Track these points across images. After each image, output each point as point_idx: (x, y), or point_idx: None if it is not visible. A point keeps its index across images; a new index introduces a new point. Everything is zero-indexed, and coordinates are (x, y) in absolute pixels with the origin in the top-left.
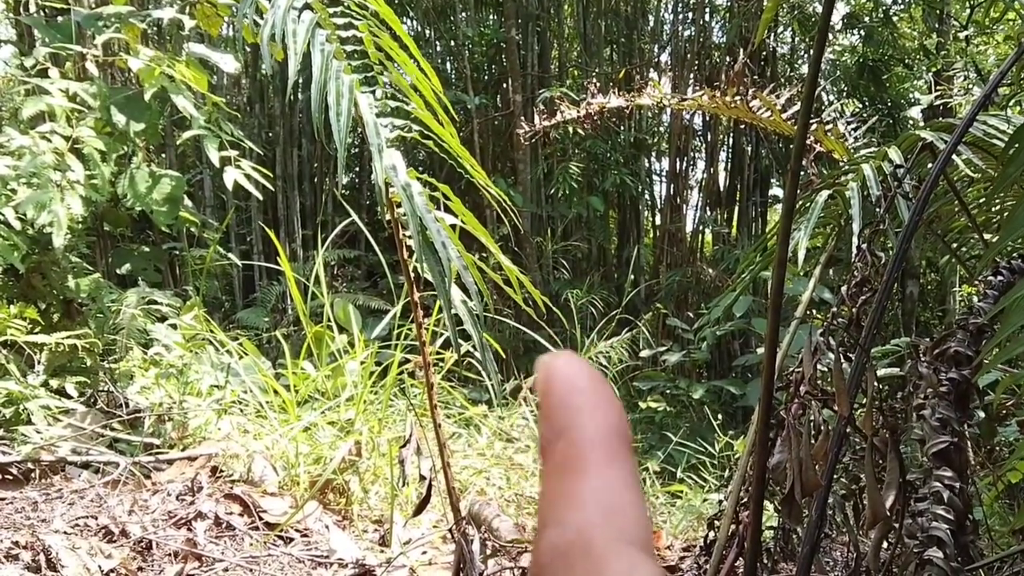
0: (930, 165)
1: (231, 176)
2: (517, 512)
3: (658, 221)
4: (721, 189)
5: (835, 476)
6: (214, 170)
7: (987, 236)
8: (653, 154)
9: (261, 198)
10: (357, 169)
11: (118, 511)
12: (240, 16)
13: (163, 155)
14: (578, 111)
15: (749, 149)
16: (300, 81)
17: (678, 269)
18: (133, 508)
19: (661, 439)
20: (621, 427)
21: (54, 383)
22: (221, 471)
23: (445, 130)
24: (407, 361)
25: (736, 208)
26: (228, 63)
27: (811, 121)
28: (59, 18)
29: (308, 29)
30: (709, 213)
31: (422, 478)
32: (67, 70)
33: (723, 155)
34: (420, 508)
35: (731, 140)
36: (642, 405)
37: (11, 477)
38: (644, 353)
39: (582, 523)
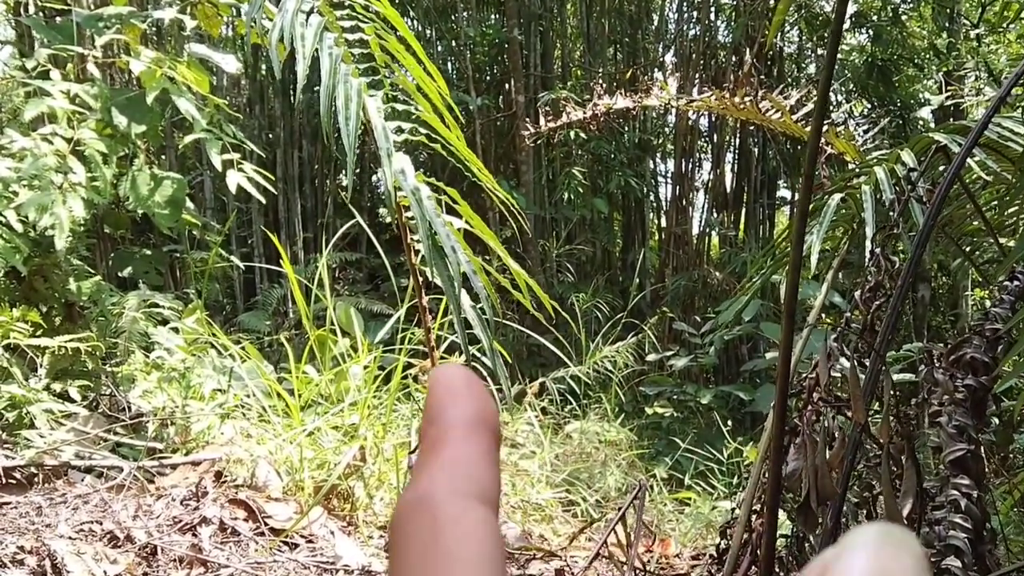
0: (943, 168)
1: (234, 180)
2: (524, 519)
3: (663, 223)
4: (728, 191)
5: (849, 483)
6: (215, 172)
7: (1002, 240)
8: (658, 155)
9: (264, 201)
10: (358, 171)
11: (123, 516)
12: (247, 21)
13: (163, 156)
14: (584, 112)
15: (756, 150)
16: (302, 81)
17: (684, 272)
18: (138, 513)
19: (669, 445)
20: (484, 414)
21: (56, 387)
22: (225, 476)
23: (451, 133)
24: (411, 365)
25: (743, 210)
26: (229, 63)
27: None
28: (58, 19)
29: (316, 33)
30: (716, 215)
31: None
32: (68, 71)
33: (729, 156)
34: None
35: (737, 141)
36: (649, 411)
37: (15, 481)
38: (650, 357)
39: (428, 483)
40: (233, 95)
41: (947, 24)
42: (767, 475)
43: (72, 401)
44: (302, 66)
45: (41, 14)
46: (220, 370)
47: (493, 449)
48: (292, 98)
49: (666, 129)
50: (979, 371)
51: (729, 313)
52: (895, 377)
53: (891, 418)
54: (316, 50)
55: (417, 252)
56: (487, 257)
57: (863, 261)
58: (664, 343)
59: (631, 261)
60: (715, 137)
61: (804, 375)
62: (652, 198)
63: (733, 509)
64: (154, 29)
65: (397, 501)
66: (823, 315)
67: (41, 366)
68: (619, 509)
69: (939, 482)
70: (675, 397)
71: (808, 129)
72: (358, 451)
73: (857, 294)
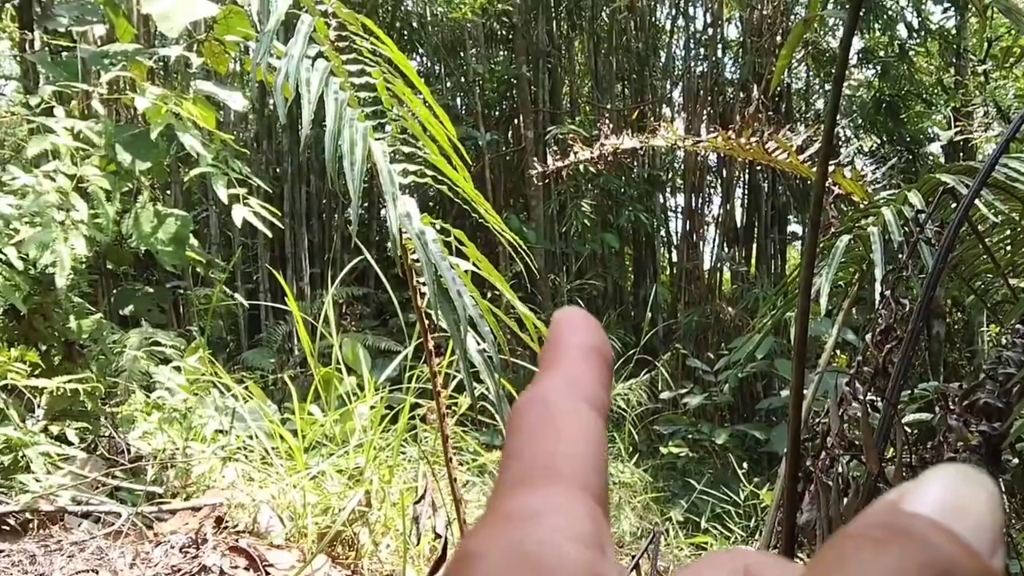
0: (953, 205)
1: (240, 214)
2: None
3: (675, 258)
4: (738, 226)
5: None
6: (220, 207)
7: (1014, 281)
8: (668, 190)
9: (270, 235)
10: (366, 204)
11: (120, 564)
12: (254, 64)
13: (168, 192)
14: (591, 152)
15: (766, 185)
16: (307, 127)
17: (697, 308)
18: (135, 561)
19: (684, 487)
20: (599, 344)
21: (54, 428)
22: (226, 522)
23: (459, 174)
24: (419, 405)
25: (754, 245)
26: (236, 101)
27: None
28: (64, 55)
29: (322, 78)
30: (727, 250)
31: (437, 535)
32: (72, 108)
33: (739, 191)
34: (436, 567)
35: (747, 176)
36: (663, 450)
37: (8, 528)
38: (664, 395)
39: (544, 387)
40: (241, 130)
41: (954, 60)
42: (782, 524)
43: (70, 443)
44: (307, 111)
45: (47, 50)
46: (222, 410)
47: (606, 374)
48: (299, 134)
49: (675, 164)
50: (993, 417)
51: (742, 352)
52: (911, 417)
53: (905, 467)
54: (322, 94)
55: (423, 295)
56: (496, 292)
57: (875, 299)
58: (678, 380)
59: (643, 296)
60: (724, 172)
61: (818, 419)
62: (663, 233)
63: None
64: (161, 65)
65: (514, 403)
66: (836, 351)
67: (39, 407)
68: (633, 556)
69: None
70: (690, 436)
71: (815, 169)
72: (363, 496)
73: (868, 337)
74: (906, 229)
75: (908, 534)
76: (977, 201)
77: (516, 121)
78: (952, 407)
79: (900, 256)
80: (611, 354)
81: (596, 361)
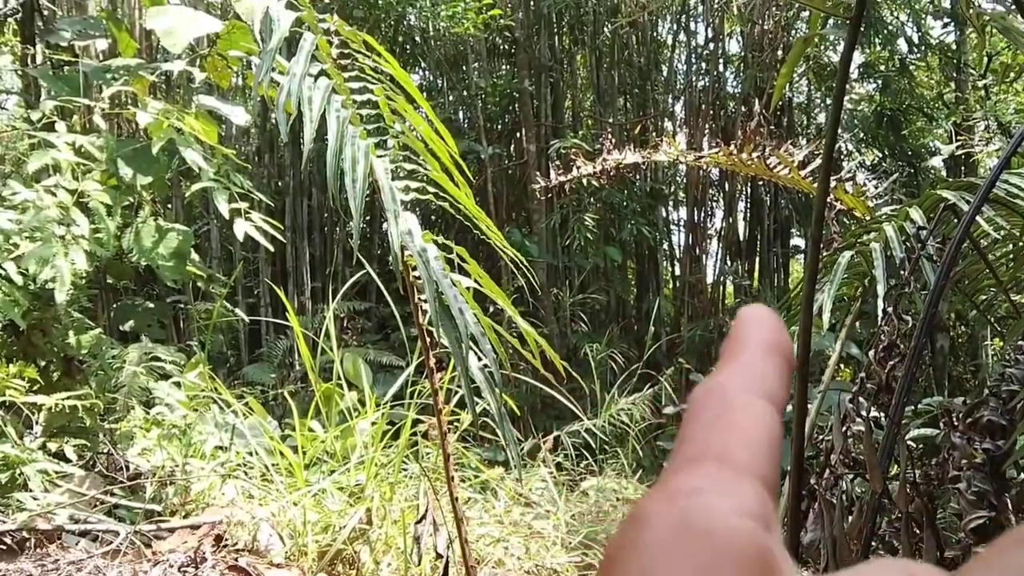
0: (955, 220)
1: (241, 228)
2: None
3: (677, 272)
4: (741, 239)
5: (872, 545)
6: (221, 221)
7: (1016, 297)
8: (670, 203)
9: (271, 249)
10: (367, 218)
11: None
12: (256, 82)
13: (169, 207)
14: (594, 167)
15: (768, 199)
16: (309, 144)
17: (700, 321)
18: None
19: None
20: (781, 342)
21: (52, 445)
22: (225, 540)
23: (460, 191)
24: (420, 421)
25: (757, 259)
26: (238, 115)
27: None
28: (66, 69)
29: (324, 96)
30: (729, 264)
31: (439, 555)
32: (74, 123)
33: (741, 205)
34: None
35: (749, 190)
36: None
37: (5, 547)
38: (668, 410)
39: (724, 379)
40: (243, 143)
41: (954, 74)
42: (785, 543)
43: (68, 461)
44: (309, 129)
45: (49, 64)
46: (222, 427)
47: (786, 371)
48: (302, 148)
49: (678, 178)
50: (996, 434)
51: None
52: (916, 432)
53: (909, 485)
54: (324, 111)
55: (425, 312)
56: (497, 307)
57: (877, 313)
58: (681, 395)
59: (646, 310)
60: (727, 186)
61: (821, 437)
62: (665, 246)
63: None
64: (163, 80)
65: (691, 392)
66: (840, 366)
67: (37, 423)
68: None
69: (962, 551)
70: None
71: (816, 185)
72: (364, 514)
73: (871, 353)
74: (908, 245)
75: None
76: (978, 217)
77: (518, 135)
78: (956, 424)
79: (902, 272)
80: (792, 353)
81: (776, 357)
